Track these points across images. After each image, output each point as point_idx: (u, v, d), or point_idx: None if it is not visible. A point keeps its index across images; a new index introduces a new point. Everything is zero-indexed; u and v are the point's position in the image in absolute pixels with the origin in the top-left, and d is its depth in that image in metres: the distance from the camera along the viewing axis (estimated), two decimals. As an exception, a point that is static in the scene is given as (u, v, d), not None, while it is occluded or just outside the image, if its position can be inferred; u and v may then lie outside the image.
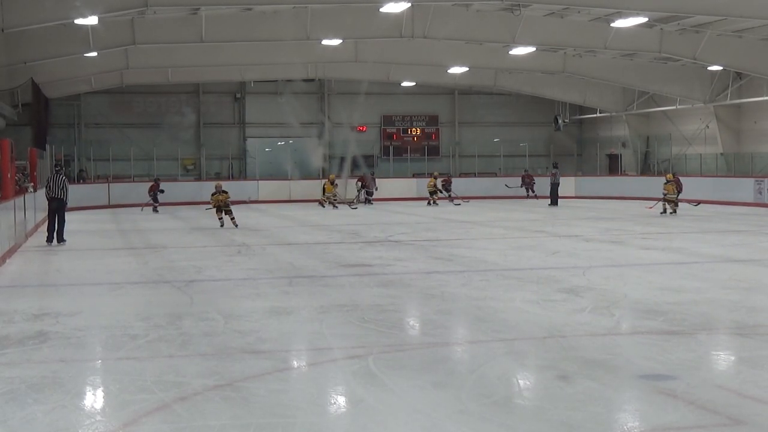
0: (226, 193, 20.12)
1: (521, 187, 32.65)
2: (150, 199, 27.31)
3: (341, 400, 5.68)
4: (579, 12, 22.23)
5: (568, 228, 19.05)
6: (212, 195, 20.17)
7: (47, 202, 16.67)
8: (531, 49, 25.34)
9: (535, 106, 38.16)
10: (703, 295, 9.47)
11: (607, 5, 20.10)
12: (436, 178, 30.31)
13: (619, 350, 6.83)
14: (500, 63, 28.89)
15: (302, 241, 16.79)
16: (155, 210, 26.94)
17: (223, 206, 19.92)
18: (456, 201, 30.05)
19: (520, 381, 6.09)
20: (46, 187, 16.90)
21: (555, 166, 30.62)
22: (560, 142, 38.92)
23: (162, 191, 27.49)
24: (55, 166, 17.62)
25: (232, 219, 19.80)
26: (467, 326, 8.21)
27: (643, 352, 6.74)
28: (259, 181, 33.51)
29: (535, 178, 32.95)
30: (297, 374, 6.48)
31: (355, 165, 33.40)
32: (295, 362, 6.90)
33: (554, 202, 28.70)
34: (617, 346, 6.99)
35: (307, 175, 34.36)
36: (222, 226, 19.59)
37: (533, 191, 32.16)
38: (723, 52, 24.49)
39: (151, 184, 28.00)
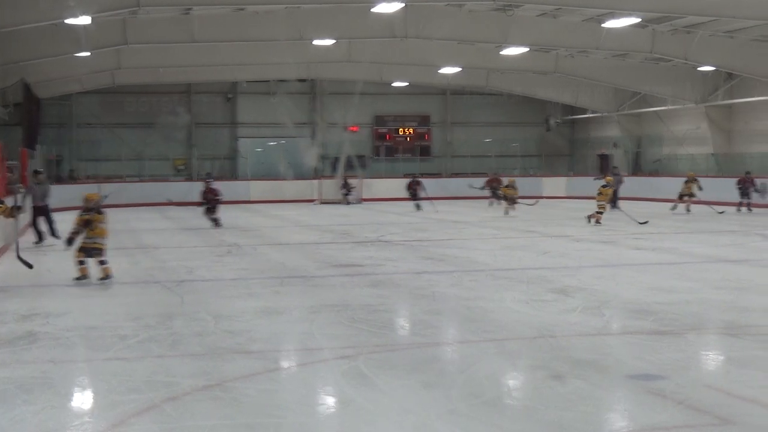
0: (101, 214, 10.91)
1: (483, 188, 28.86)
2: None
3: (331, 401, 5.68)
4: (571, 12, 22.30)
5: (559, 228, 19.07)
6: (80, 215, 10.83)
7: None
8: (523, 49, 25.39)
9: (527, 106, 38.24)
10: (695, 295, 9.49)
11: (600, 6, 20.18)
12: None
13: (609, 350, 6.85)
14: (492, 63, 28.93)
15: (294, 241, 16.77)
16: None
17: (90, 239, 10.72)
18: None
19: (510, 381, 6.09)
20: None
21: (615, 171, 28.25)
22: (552, 142, 39.02)
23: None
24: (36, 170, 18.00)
25: (101, 263, 10.80)
26: (457, 326, 8.21)
27: (634, 352, 6.76)
28: (251, 181, 33.45)
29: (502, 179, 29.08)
30: (287, 374, 6.47)
31: (349, 165, 33.40)
32: (285, 362, 6.89)
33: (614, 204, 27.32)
34: (607, 346, 7.00)
35: (299, 175, 34.34)
36: (79, 278, 10.74)
37: (497, 196, 27.80)
38: (714, 52, 24.59)
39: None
